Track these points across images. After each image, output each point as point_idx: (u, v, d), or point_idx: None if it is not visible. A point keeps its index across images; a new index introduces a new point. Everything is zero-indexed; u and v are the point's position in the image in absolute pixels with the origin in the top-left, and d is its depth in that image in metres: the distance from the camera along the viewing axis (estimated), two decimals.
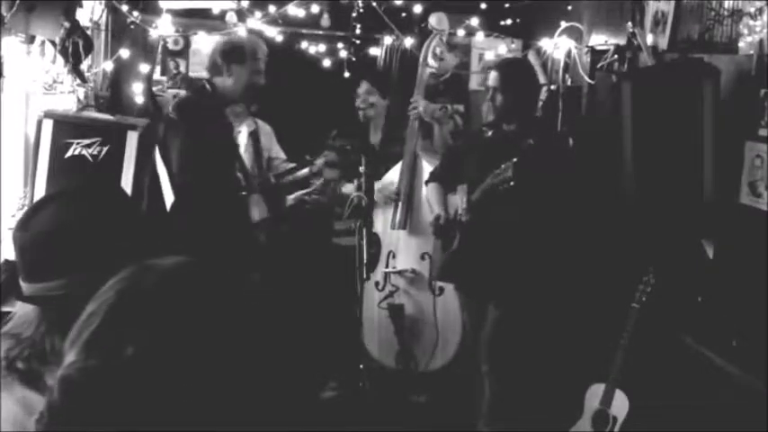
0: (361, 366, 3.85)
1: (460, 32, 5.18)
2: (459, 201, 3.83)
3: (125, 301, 1.06)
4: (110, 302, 1.07)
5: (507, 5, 5.50)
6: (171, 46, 5.45)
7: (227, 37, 4.00)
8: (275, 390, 1.14)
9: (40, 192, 3.76)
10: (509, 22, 5.46)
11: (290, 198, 4.43)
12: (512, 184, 3.47)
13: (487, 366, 3.80)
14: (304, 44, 5.41)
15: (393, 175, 4.46)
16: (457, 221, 3.78)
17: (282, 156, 4.85)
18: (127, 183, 3.83)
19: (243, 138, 4.79)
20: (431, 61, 4.59)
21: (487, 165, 3.66)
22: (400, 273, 4.32)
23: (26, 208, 3.72)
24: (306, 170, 4.68)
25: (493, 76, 3.83)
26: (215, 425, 1.04)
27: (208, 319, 1.06)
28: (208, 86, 3.87)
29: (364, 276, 3.43)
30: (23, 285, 1.56)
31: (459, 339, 4.22)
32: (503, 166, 3.50)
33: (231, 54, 3.82)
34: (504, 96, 3.74)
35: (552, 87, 4.72)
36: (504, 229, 3.71)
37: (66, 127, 3.80)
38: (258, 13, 4.55)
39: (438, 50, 4.70)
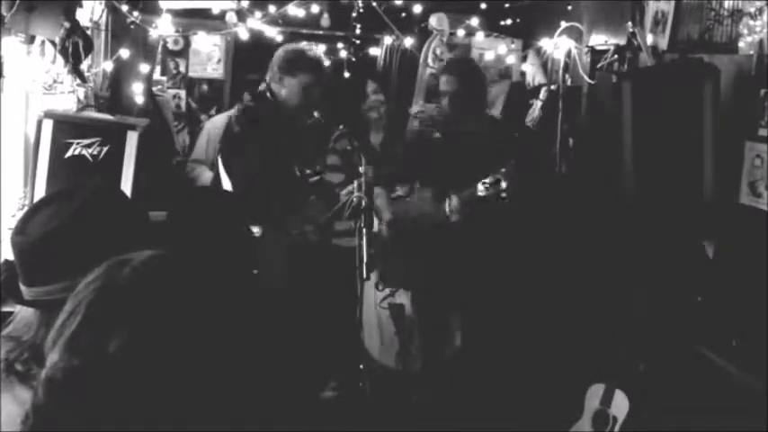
0: (361, 366, 3.84)
1: (460, 32, 5.18)
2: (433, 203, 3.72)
3: (103, 298, 1.06)
4: (88, 300, 1.06)
5: (507, 5, 5.50)
6: (171, 46, 5.46)
7: (289, 46, 3.98)
8: (265, 383, 1.13)
9: (40, 192, 3.75)
10: (509, 22, 5.47)
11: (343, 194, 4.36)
12: (504, 196, 3.46)
13: (457, 374, 3.75)
14: (304, 44, 5.41)
15: None
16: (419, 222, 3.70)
17: None
18: (127, 183, 3.83)
19: None
20: (431, 62, 4.58)
21: (443, 165, 3.61)
22: None
23: (25, 208, 3.72)
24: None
25: (449, 79, 3.70)
26: (202, 420, 1.04)
27: (184, 311, 1.06)
28: (268, 93, 3.84)
29: (364, 276, 3.42)
30: (23, 289, 1.55)
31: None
32: (490, 177, 3.45)
33: (284, 65, 3.79)
34: (463, 98, 3.67)
35: (552, 87, 4.72)
36: (491, 236, 3.67)
37: (67, 127, 3.80)
38: (258, 13, 4.55)
39: (438, 51, 4.69)
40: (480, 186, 3.45)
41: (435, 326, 3.81)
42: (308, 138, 4.10)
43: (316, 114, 3.90)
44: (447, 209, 3.54)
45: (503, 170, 3.46)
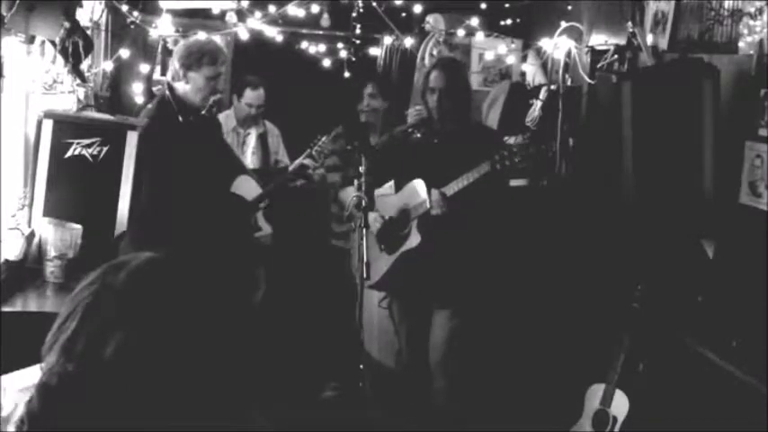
0: (361, 366, 3.84)
1: (460, 32, 5.18)
2: (418, 199, 3.66)
3: (99, 302, 1.06)
4: (85, 303, 1.06)
5: (507, 5, 5.50)
6: (171, 46, 5.44)
7: (187, 41, 3.85)
8: (264, 384, 1.14)
9: (40, 192, 3.75)
10: (509, 22, 5.46)
11: (290, 167, 4.27)
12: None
13: (445, 382, 3.71)
14: (304, 44, 5.41)
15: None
16: (413, 220, 3.64)
17: (286, 160, 4.85)
18: (127, 183, 3.83)
19: (251, 141, 4.81)
20: (428, 62, 4.57)
21: (428, 165, 3.59)
22: None
23: (26, 209, 3.72)
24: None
25: (439, 76, 3.63)
26: (199, 423, 1.03)
27: (180, 315, 1.05)
28: (168, 93, 3.68)
29: (365, 276, 3.41)
30: None
31: None
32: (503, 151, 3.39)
33: (187, 60, 3.64)
34: (452, 96, 3.63)
35: (552, 87, 4.71)
36: (483, 228, 3.64)
37: (66, 127, 3.80)
38: (258, 13, 4.55)
39: (435, 51, 4.68)
40: (485, 166, 3.40)
41: (418, 326, 3.79)
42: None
43: (213, 98, 3.77)
44: (427, 203, 3.52)
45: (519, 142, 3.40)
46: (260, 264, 4.18)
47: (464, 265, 3.65)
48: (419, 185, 3.60)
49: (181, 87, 3.64)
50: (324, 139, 4.10)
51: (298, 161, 4.16)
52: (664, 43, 3.89)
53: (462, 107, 3.69)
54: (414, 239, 3.62)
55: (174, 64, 3.68)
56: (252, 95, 4.71)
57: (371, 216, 3.64)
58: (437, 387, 3.74)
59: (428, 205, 3.52)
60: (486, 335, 4.03)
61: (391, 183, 4.01)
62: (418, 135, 3.75)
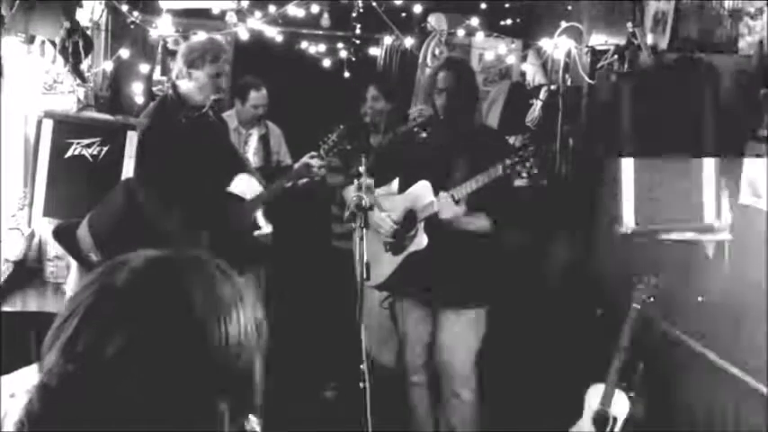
0: (361, 366, 3.84)
1: (460, 32, 5.18)
2: (425, 201, 3.65)
3: (100, 301, 1.05)
4: (87, 303, 1.05)
5: (507, 5, 5.50)
6: (171, 46, 5.46)
7: (190, 40, 3.85)
8: (266, 384, 1.13)
9: (41, 192, 3.76)
10: (509, 22, 5.47)
11: (296, 165, 4.24)
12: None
13: (450, 382, 3.71)
14: (304, 44, 5.41)
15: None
16: (420, 222, 3.63)
17: (288, 160, 4.84)
18: None
19: (253, 141, 4.80)
20: (430, 63, 4.57)
21: (433, 165, 3.58)
22: None
23: (26, 209, 3.73)
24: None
25: (447, 76, 3.61)
26: (201, 425, 1.03)
27: (183, 314, 1.05)
28: (171, 92, 3.69)
29: (365, 276, 3.41)
30: None
31: None
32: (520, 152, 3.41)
33: (190, 58, 3.64)
34: (460, 96, 3.61)
35: (552, 87, 4.72)
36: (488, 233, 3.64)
37: (67, 127, 3.81)
38: (258, 13, 4.56)
39: (437, 51, 4.68)
40: (498, 170, 3.40)
41: (422, 327, 3.79)
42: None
43: (215, 97, 3.76)
44: (435, 206, 3.51)
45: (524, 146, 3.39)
46: (260, 264, 4.18)
47: (472, 267, 3.64)
48: (426, 187, 3.60)
49: (184, 86, 3.65)
50: (333, 136, 4.08)
51: (302, 160, 4.15)
52: (664, 43, 3.89)
53: (469, 107, 3.69)
54: (422, 241, 3.61)
55: (178, 62, 3.69)
56: (257, 96, 4.71)
57: (380, 216, 3.64)
58: (441, 387, 3.74)
59: (436, 208, 3.51)
60: (490, 335, 4.03)
61: (394, 182, 4.01)
62: (423, 135, 3.74)
